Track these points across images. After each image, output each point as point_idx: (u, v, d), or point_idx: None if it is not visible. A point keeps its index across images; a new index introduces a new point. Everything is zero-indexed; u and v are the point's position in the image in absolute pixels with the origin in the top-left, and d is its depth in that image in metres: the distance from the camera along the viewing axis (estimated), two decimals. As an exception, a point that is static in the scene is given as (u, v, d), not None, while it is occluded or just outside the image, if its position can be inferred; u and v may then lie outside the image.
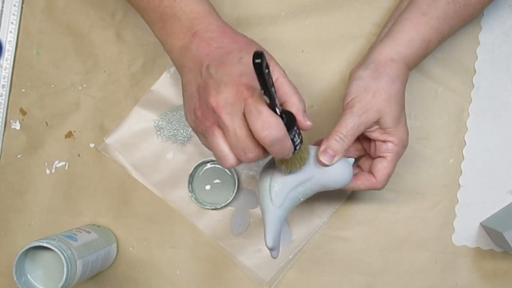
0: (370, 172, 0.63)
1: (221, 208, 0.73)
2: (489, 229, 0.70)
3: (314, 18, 0.74)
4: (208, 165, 0.74)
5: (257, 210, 0.73)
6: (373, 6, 0.73)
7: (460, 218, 0.72)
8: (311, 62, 0.73)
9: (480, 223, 0.72)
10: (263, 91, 0.49)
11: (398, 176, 0.72)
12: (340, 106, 0.73)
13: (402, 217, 0.73)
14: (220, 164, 0.72)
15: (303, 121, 0.55)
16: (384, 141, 0.62)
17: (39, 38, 0.75)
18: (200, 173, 0.73)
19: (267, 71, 0.47)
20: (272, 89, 0.49)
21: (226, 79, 0.52)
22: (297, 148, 0.55)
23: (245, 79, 0.52)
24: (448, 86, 0.72)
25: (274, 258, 0.61)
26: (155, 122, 0.74)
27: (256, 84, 0.50)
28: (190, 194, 0.72)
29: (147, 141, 0.74)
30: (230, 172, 0.73)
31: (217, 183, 0.73)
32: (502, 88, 0.72)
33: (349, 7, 0.73)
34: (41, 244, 0.61)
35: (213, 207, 0.72)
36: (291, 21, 0.74)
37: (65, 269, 0.61)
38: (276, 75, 0.55)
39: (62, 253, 0.61)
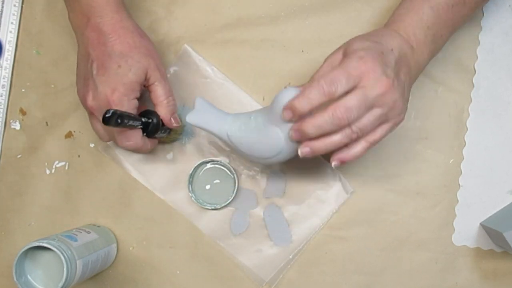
0: None
1: (221, 208, 0.73)
2: (489, 229, 0.70)
3: (314, 18, 0.74)
4: (208, 165, 0.74)
5: (257, 210, 0.73)
6: (373, 6, 0.73)
7: (460, 218, 0.72)
8: (311, 62, 0.73)
9: (480, 223, 0.72)
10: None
11: (398, 176, 0.73)
12: (340, 106, 0.73)
13: (402, 217, 0.73)
14: (220, 164, 0.72)
15: (168, 122, 0.65)
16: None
17: (39, 38, 0.75)
18: (200, 173, 0.73)
19: (119, 121, 0.58)
20: (130, 122, 0.60)
21: (101, 89, 0.61)
22: (164, 137, 0.69)
23: (116, 93, 0.60)
24: (448, 86, 0.72)
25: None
26: (155, 122, 0.74)
27: (127, 94, 0.61)
28: (190, 194, 0.72)
29: (147, 141, 0.74)
30: (230, 172, 0.73)
31: (217, 183, 0.73)
32: (502, 88, 0.72)
33: (349, 7, 0.73)
34: (41, 244, 0.61)
35: (213, 207, 0.72)
36: (291, 21, 0.74)
37: (65, 269, 0.61)
38: (152, 80, 0.64)
39: (62, 253, 0.61)
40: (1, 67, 0.75)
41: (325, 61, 0.60)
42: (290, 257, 0.73)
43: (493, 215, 0.72)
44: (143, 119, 0.64)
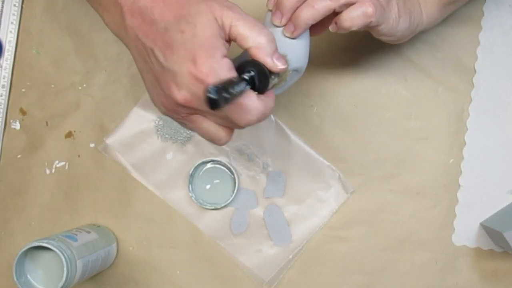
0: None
1: (221, 208, 0.73)
2: (489, 229, 0.70)
3: (314, 18, 0.73)
4: (208, 165, 0.74)
5: (257, 210, 0.73)
6: (373, 6, 0.73)
7: (460, 218, 0.72)
8: (311, 62, 0.73)
9: (480, 223, 0.72)
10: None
11: (398, 176, 0.72)
12: (340, 106, 0.73)
13: (402, 217, 0.73)
14: (220, 164, 0.72)
15: (274, 66, 0.49)
16: None
17: (39, 38, 0.75)
18: (200, 173, 0.73)
19: (227, 95, 0.43)
20: (237, 88, 0.45)
21: (180, 69, 0.47)
22: (276, 83, 0.53)
23: (199, 62, 0.46)
24: (448, 86, 0.72)
25: None
26: (155, 122, 0.74)
27: (213, 55, 0.47)
28: (190, 194, 0.72)
29: (147, 141, 0.74)
30: (230, 172, 0.73)
31: (217, 183, 0.73)
32: (502, 88, 0.72)
33: (349, 7, 0.73)
34: (41, 244, 0.61)
35: (213, 207, 0.72)
36: None
37: (65, 269, 0.61)
38: (227, 23, 0.48)
39: (62, 253, 0.61)
40: (1, 67, 0.75)
41: None
42: (290, 257, 0.73)
43: (493, 215, 0.72)
44: (245, 76, 0.48)
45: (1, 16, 0.75)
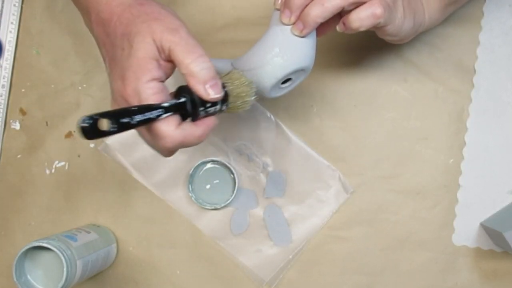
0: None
1: (221, 208, 0.73)
2: (489, 229, 0.70)
3: (314, 18, 0.73)
4: (208, 165, 0.74)
5: (257, 210, 0.73)
6: (373, 6, 0.73)
7: (460, 218, 0.72)
8: (311, 62, 0.73)
9: (480, 223, 0.72)
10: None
11: (398, 176, 0.73)
12: (340, 106, 0.73)
13: (402, 217, 0.73)
14: (220, 164, 0.72)
15: (205, 95, 0.48)
16: None
17: (39, 38, 0.75)
18: (200, 173, 0.73)
19: (113, 127, 0.43)
20: (138, 117, 0.46)
21: (114, 85, 0.49)
22: (224, 110, 0.52)
23: (126, 81, 0.47)
24: (448, 86, 0.72)
25: None
26: (155, 122, 0.74)
27: (139, 77, 0.47)
28: (190, 194, 0.72)
29: (147, 141, 0.74)
30: (230, 172, 0.73)
31: (217, 183, 0.73)
32: (502, 88, 0.72)
33: (349, 7, 0.73)
34: (41, 244, 0.61)
35: (213, 207, 0.72)
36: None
37: (65, 269, 0.61)
38: (166, 46, 0.48)
39: (62, 253, 0.61)
40: (1, 67, 0.75)
41: None
42: (290, 257, 0.73)
43: (493, 215, 0.72)
44: (165, 105, 0.47)
45: (1, 16, 0.75)
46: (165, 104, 0.47)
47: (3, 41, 0.75)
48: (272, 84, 0.56)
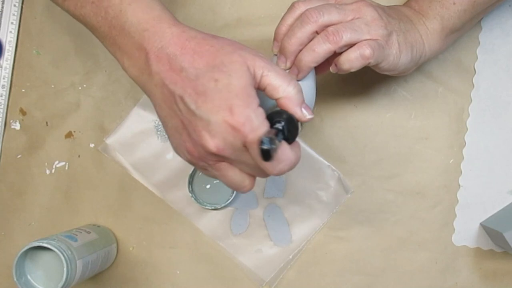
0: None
1: (221, 208, 0.73)
2: (489, 229, 0.70)
3: (314, 18, 0.73)
4: (208, 165, 0.74)
5: (257, 210, 0.73)
6: (373, 6, 0.73)
7: (460, 218, 0.72)
8: (311, 62, 0.73)
9: (480, 223, 0.72)
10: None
11: (398, 176, 0.73)
12: (340, 106, 0.73)
13: (402, 217, 0.73)
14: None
15: (302, 117, 0.50)
16: None
17: (39, 38, 0.75)
18: (200, 173, 0.73)
19: (274, 146, 0.43)
20: (278, 138, 0.46)
21: (214, 118, 0.46)
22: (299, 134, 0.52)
23: (236, 110, 0.46)
24: (448, 86, 0.72)
25: None
26: (155, 122, 0.74)
27: (249, 104, 0.47)
28: (190, 194, 0.72)
29: (147, 141, 0.74)
30: (230, 172, 0.73)
31: (217, 183, 0.73)
32: (502, 88, 0.72)
33: (349, 7, 0.73)
34: (41, 244, 0.61)
35: (213, 207, 0.72)
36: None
37: (65, 269, 0.61)
38: (258, 72, 0.49)
39: (62, 253, 0.61)
40: (1, 67, 0.75)
41: None
42: (290, 257, 0.73)
43: (493, 215, 0.72)
44: (279, 126, 0.48)
45: (1, 16, 0.75)
46: (279, 127, 0.48)
47: (3, 41, 0.75)
48: None
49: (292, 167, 0.49)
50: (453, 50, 0.72)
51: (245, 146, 0.47)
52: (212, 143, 0.47)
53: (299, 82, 0.55)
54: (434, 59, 0.72)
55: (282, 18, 0.57)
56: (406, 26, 0.59)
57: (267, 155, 0.43)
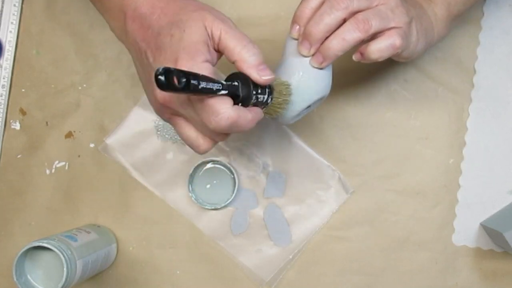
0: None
1: (221, 208, 0.73)
2: (489, 229, 0.70)
3: (314, 18, 0.73)
4: (208, 165, 0.74)
5: (257, 210, 0.73)
6: (373, 6, 0.73)
7: (460, 218, 0.72)
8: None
9: (480, 223, 0.72)
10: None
11: (398, 176, 0.73)
12: (340, 106, 0.73)
13: (402, 217, 0.73)
14: (220, 164, 0.72)
15: (258, 77, 0.50)
16: None
17: (39, 38, 0.75)
18: (200, 173, 0.73)
19: (183, 82, 0.43)
20: (203, 84, 0.45)
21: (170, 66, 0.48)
22: (269, 103, 0.53)
23: (179, 62, 0.48)
24: (448, 86, 0.72)
25: None
26: (155, 122, 0.74)
27: (193, 58, 0.48)
28: (190, 194, 0.72)
29: (147, 141, 0.74)
30: (230, 172, 0.73)
31: (217, 183, 0.73)
32: (502, 88, 0.72)
33: (349, 7, 0.73)
34: (41, 244, 0.61)
35: (213, 207, 0.72)
36: (291, 21, 0.73)
37: (65, 269, 0.61)
38: (216, 33, 0.50)
39: (62, 253, 0.61)
40: (1, 67, 0.75)
41: None
42: (290, 257, 0.73)
43: (493, 215, 0.72)
44: (223, 82, 0.48)
45: (1, 16, 0.75)
46: (223, 82, 0.48)
47: (3, 41, 0.75)
48: (292, 116, 0.57)
49: (231, 125, 0.49)
50: (453, 50, 0.72)
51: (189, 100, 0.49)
52: (159, 94, 0.49)
53: (319, 71, 0.54)
54: (434, 58, 0.72)
55: (304, 0, 0.54)
56: (419, 12, 0.58)
57: (160, 83, 0.42)
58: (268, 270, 0.73)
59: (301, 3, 0.54)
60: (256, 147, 0.74)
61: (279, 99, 0.54)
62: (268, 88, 0.52)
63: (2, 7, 0.75)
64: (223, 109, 0.48)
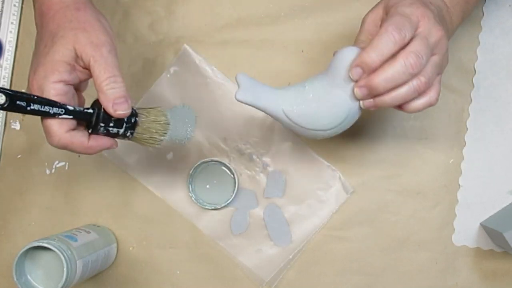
0: None
1: (221, 208, 0.73)
2: (489, 229, 0.70)
3: (314, 18, 0.74)
4: (208, 165, 0.74)
5: (257, 210, 0.73)
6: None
7: (460, 218, 0.72)
8: (311, 62, 0.73)
9: (480, 223, 0.72)
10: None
11: (398, 176, 0.73)
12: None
13: (402, 217, 0.73)
14: (220, 164, 0.72)
15: (112, 111, 0.53)
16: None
17: (39, 38, 0.75)
18: (200, 173, 0.73)
19: (21, 104, 0.48)
20: (34, 106, 0.50)
21: (29, 72, 0.53)
22: (128, 135, 0.56)
23: (36, 77, 0.52)
24: (448, 86, 0.72)
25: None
26: (155, 122, 0.74)
27: (47, 76, 0.51)
28: (190, 194, 0.72)
29: (147, 141, 0.74)
30: (230, 172, 0.73)
31: (217, 183, 0.73)
32: (502, 88, 0.72)
33: (349, 7, 0.73)
34: (41, 244, 0.61)
35: (213, 207, 0.72)
36: (291, 21, 0.74)
37: (65, 269, 0.61)
38: (86, 59, 0.53)
39: (62, 253, 0.61)
40: (1, 67, 0.75)
41: (363, 21, 0.58)
42: (290, 257, 0.73)
43: (493, 215, 0.72)
44: (69, 107, 0.52)
45: (1, 16, 0.75)
46: (70, 107, 0.52)
47: (3, 41, 0.75)
48: (322, 138, 0.58)
49: (67, 147, 0.53)
50: (453, 50, 0.72)
51: None
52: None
53: (355, 106, 0.55)
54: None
55: (376, 45, 0.52)
56: (445, 26, 0.57)
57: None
58: (268, 270, 0.73)
59: (371, 47, 0.52)
60: (256, 147, 0.74)
61: (144, 136, 0.57)
62: (126, 123, 0.55)
63: (2, 7, 0.75)
64: (56, 132, 0.52)
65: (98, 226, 0.73)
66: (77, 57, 0.53)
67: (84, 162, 0.75)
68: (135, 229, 0.74)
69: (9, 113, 0.75)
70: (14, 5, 0.75)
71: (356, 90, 0.54)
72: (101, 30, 0.54)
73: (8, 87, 0.75)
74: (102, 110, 0.53)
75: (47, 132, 0.53)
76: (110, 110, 0.53)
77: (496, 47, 0.72)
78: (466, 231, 0.72)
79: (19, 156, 0.75)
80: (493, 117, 0.72)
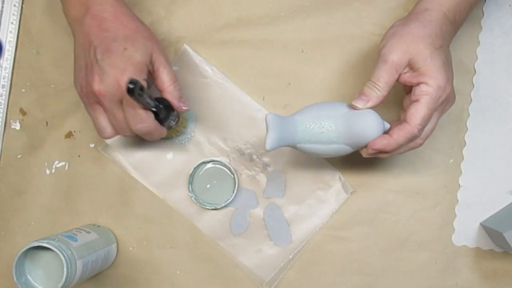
0: (404, 120, 0.61)
1: (221, 208, 0.73)
2: (489, 229, 0.70)
3: (314, 18, 0.74)
4: (208, 165, 0.74)
5: (257, 210, 0.73)
6: (373, 6, 0.73)
7: (460, 218, 0.72)
8: (311, 62, 0.73)
9: (480, 223, 0.72)
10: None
11: (398, 176, 0.73)
12: (340, 106, 0.73)
13: (402, 217, 0.73)
14: (220, 164, 0.72)
15: (178, 106, 0.65)
16: (417, 84, 0.60)
17: (39, 38, 0.75)
18: (200, 173, 0.73)
19: (140, 93, 0.56)
20: (147, 99, 0.59)
21: (109, 71, 0.59)
22: (173, 126, 0.68)
23: (126, 74, 0.59)
24: (448, 86, 0.72)
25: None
26: (155, 122, 0.74)
27: (136, 75, 0.60)
28: (190, 194, 0.72)
29: (147, 141, 0.74)
30: (230, 172, 0.73)
31: (217, 183, 0.73)
32: (502, 88, 0.72)
33: (349, 7, 0.73)
34: (41, 244, 0.61)
35: (213, 207, 0.72)
36: (291, 21, 0.74)
37: (65, 269, 0.61)
38: (157, 65, 0.63)
39: (62, 253, 0.61)
40: (1, 67, 0.75)
41: (385, 60, 0.60)
42: (290, 257, 0.73)
43: (493, 215, 0.72)
44: (156, 102, 0.63)
45: (1, 16, 0.75)
46: (156, 102, 0.63)
47: (3, 41, 0.75)
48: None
49: (147, 132, 0.63)
50: (453, 50, 0.72)
51: (121, 102, 0.60)
52: (97, 86, 0.60)
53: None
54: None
55: (395, 138, 0.60)
56: (449, 55, 0.63)
57: (130, 91, 0.54)
58: (268, 270, 0.73)
59: (394, 140, 0.60)
60: (256, 147, 0.74)
61: (180, 127, 0.72)
62: (177, 118, 0.69)
63: (2, 7, 0.75)
64: (149, 120, 0.62)
65: (98, 226, 0.73)
66: (149, 62, 0.62)
67: (84, 162, 0.75)
68: (135, 229, 0.74)
69: (9, 113, 0.75)
70: (14, 5, 0.75)
71: (364, 153, 0.62)
72: (161, 44, 0.65)
73: (8, 87, 0.75)
74: (169, 105, 0.65)
75: (141, 119, 0.61)
76: (177, 106, 0.65)
77: (496, 47, 0.72)
78: (466, 231, 0.72)
79: (19, 156, 0.75)
80: (493, 117, 0.72)
